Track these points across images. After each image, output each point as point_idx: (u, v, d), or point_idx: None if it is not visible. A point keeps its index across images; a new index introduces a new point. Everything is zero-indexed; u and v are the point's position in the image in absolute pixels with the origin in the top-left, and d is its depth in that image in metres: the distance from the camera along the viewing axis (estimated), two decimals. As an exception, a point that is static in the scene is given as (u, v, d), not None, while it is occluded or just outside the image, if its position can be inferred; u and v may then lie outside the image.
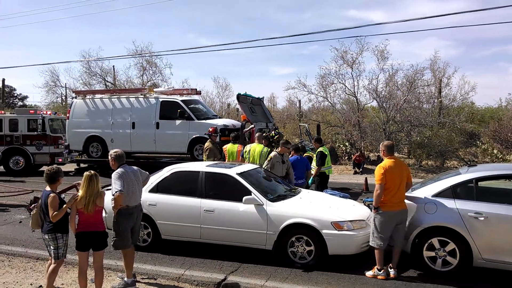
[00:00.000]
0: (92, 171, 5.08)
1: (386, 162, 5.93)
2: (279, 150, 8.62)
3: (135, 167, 5.75)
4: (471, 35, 65.86)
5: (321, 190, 8.53)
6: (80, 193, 5.01)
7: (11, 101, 53.38)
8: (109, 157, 5.61)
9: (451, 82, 22.64)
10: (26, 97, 54.55)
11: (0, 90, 38.23)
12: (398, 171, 5.86)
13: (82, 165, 14.88)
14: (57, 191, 5.19)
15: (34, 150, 17.84)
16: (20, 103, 53.05)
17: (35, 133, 17.79)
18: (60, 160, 18.10)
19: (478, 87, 30.07)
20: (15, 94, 55.92)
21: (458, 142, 20.03)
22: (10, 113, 19.70)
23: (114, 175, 5.38)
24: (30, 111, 18.88)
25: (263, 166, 8.31)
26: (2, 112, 19.96)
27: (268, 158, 8.38)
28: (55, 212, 4.89)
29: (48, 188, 5.06)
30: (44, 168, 18.00)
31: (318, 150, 9.55)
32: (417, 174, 17.44)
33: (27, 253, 7.13)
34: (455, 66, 39.28)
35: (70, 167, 17.42)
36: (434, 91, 22.70)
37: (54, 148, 18.04)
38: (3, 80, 39.24)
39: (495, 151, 19.67)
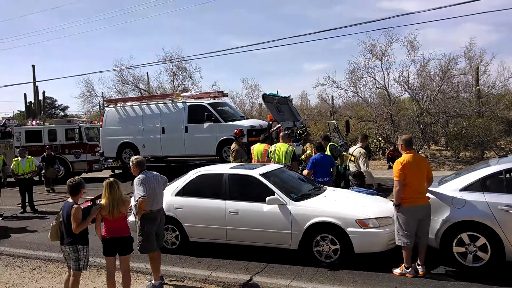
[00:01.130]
0: (112, 178, 5.22)
1: (404, 157, 5.77)
2: (360, 145, 8.95)
3: (155, 172, 5.87)
4: None
5: (347, 187, 8.41)
6: (103, 201, 5.15)
7: (53, 112, 55.77)
8: (131, 164, 5.76)
9: (489, 69, 21.77)
10: (67, 107, 56.98)
11: (41, 102, 39.87)
12: (417, 166, 5.69)
13: (116, 171, 15.32)
14: (91, 198, 5.34)
15: (72, 159, 18.54)
16: (62, 113, 55.37)
17: (73, 142, 18.50)
18: (97, 167, 18.77)
19: (520, 72, 28.76)
20: (56, 105, 58.42)
21: (498, 131, 19.18)
22: (49, 124, 20.59)
23: (136, 181, 5.52)
24: (67, 121, 19.69)
25: (361, 164, 8.40)
26: (42, 123, 20.89)
27: (365, 156, 8.50)
28: (78, 223, 4.91)
29: (70, 200, 5.13)
30: (83, 175, 18.77)
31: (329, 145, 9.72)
32: (454, 166, 16.89)
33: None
34: (493, 52, 37.70)
35: (107, 173, 17.97)
36: (472, 80, 21.87)
37: (91, 156, 18.69)
38: (44, 93, 41.02)
39: (538, 139, 18.77)
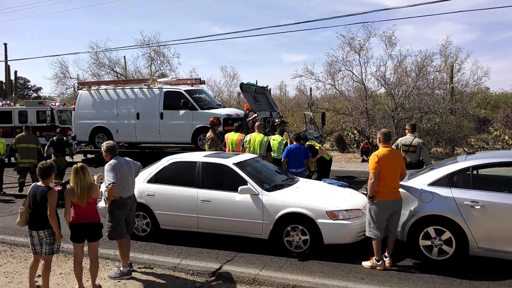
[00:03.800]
0: (79, 164, 5.10)
1: (381, 150, 5.84)
2: (416, 135, 9.17)
3: (128, 158, 5.78)
4: (487, 19, 64.34)
5: (320, 179, 8.50)
6: (71, 184, 5.04)
7: (25, 93, 54.14)
8: (102, 149, 5.66)
9: (464, 68, 22.19)
10: (40, 88, 55.34)
11: (13, 82, 38.69)
12: (393, 160, 5.77)
13: (89, 155, 15.04)
14: (62, 182, 5.23)
15: (43, 141, 18.07)
16: (35, 94, 53.75)
17: (45, 124, 18.03)
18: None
19: (495, 72, 29.57)
20: (29, 86, 56.71)
21: (469, 128, 19.66)
22: (20, 105, 20.01)
23: (106, 166, 5.42)
24: (39, 103, 19.16)
25: (426, 154, 8.65)
26: (12, 104, 20.28)
27: (426, 145, 8.68)
28: (54, 210, 4.88)
29: (40, 183, 5.02)
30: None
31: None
32: (425, 161, 17.24)
33: (29, 243, 7.23)
34: (468, 51, 38.31)
35: (79, 158, 17.62)
36: (446, 77, 22.29)
37: (64, 139, 18.23)
38: (15, 72, 39.77)
39: (506, 137, 19.34)
